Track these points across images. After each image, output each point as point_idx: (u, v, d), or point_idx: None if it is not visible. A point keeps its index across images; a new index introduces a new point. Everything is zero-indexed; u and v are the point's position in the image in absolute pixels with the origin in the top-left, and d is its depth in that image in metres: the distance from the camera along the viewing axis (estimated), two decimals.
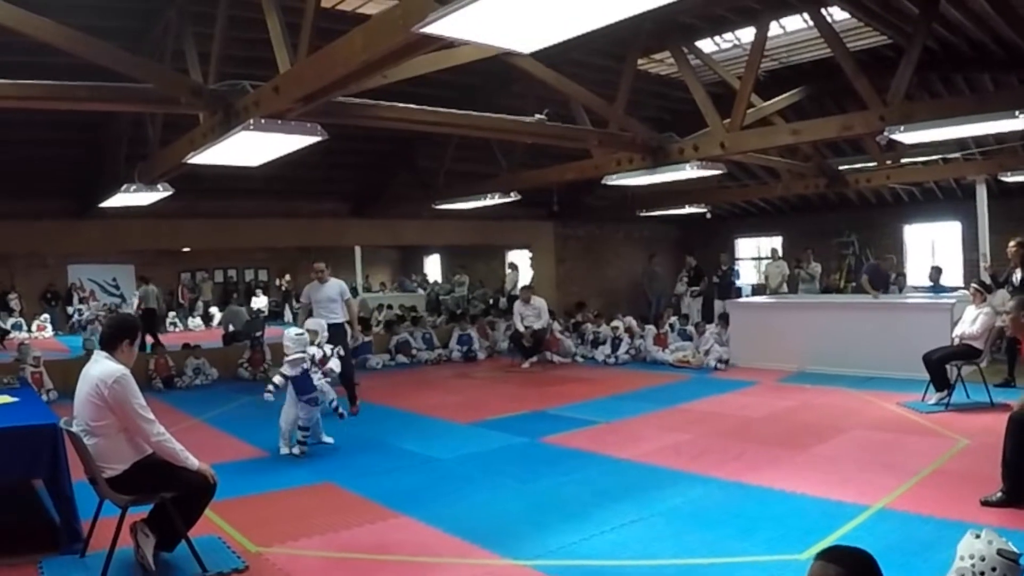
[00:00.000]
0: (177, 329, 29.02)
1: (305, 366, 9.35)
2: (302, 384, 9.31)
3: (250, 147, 8.33)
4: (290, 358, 9.30)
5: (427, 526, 6.97)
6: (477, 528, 6.84)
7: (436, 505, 7.56)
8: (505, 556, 6.16)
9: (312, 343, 9.69)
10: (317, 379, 9.52)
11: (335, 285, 12.31)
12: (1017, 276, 12.84)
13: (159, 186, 11.25)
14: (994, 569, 2.95)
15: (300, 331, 9.77)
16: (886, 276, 17.67)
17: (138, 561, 5.77)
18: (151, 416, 5.66)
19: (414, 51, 6.02)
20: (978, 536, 3.03)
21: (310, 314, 11.74)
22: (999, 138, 14.66)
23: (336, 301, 12.13)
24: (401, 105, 9.23)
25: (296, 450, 9.44)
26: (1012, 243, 13.49)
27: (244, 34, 9.41)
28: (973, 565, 2.96)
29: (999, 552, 2.93)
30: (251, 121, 7.46)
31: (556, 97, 11.25)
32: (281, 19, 7.43)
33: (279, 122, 7.58)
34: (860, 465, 8.49)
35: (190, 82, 8.38)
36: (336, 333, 11.50)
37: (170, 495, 5.66)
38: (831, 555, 2.88)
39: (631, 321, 18.81)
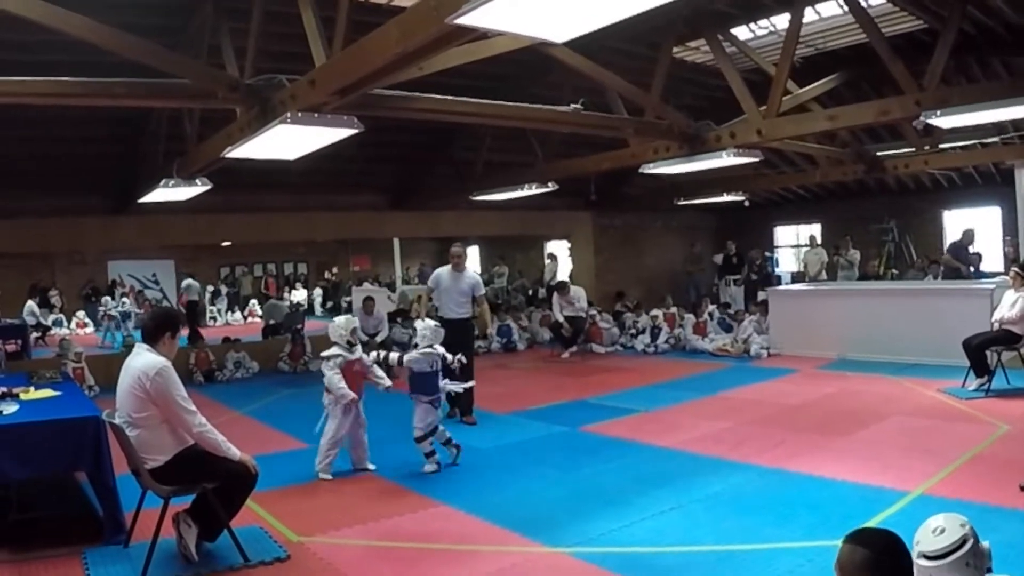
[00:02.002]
0: (217, 323, 29.16)
1: (435, 366, 8.67)
2: (426, 383, 8.62)
3: (287, 140, 8.39)
4: (420, 349, 8.64)
5: (468, 515, 7.04)
6: (517, 516, 6.89)
7: (477, 494, 7.62)
8: (545, 543, 6.20)
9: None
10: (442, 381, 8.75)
11: (471, 278, 11.29)
12: None
13: (197, 181, 11.31)
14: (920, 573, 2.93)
15: (436, 324, 9.01)
16: (969, 254, 17.42)
17: (181, 551, 5.84)
18: (193, 407, 5.73)
19: (449, 42, 6.05)
20: (916, 534, 3.01)
21: (431, 302, 11.40)
22: None
23: (467, 295, 11.10)
24: (437, 96, 9.23)
25: (428, 467, 8.49)
26: None
27: (280, 28, 9.43)
28: (917, 572, 2.94)
29: (920, 555, 2.91)
30: (288, 115, 7.49)
31: (592, 86, 11.21)
32: (316, 13, 7.47)
33: (316, 115, 7.62)
34: (900, 451, 8.48)
35: (227, 77, 8.43)
36: (461, 329, 10.86)
37: (212, 486, 5.73)
38: (859, 537, 2.89)
39: (673, 309, 18.83)
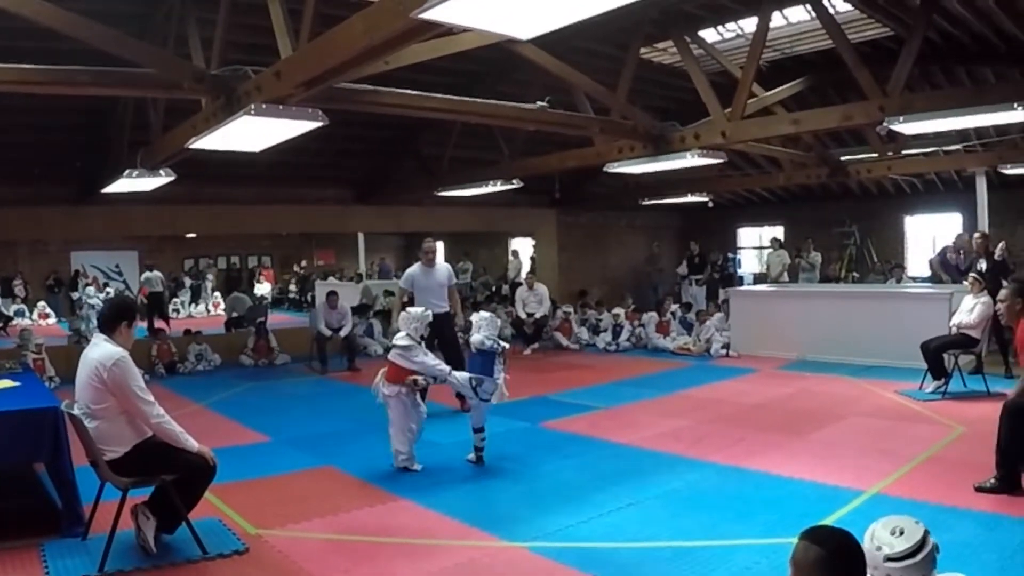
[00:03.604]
0: (180, 315, 28.98)
1: (495, 348, 8.50)
2: (484, 366, 8.45)
3: (252, 132, 8.36)
4: (483, 335, 8.52)
5: (427, 509, 7.05)
6: (476, 511, 6.93)
7: (436, 489, 7.65)
8: (503, 538, 6.23)
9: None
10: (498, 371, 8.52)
11: (444, 269, 11.45)
12: (982, 265, 12.98)
13: (161, 171, 11.25)
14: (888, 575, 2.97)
15: (492, 315, 8.98)
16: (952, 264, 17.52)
17: (139, 543, 5.83)
18: (150, 398, 5.71)
19: (414, 37, 6.06)
20: (872, 540, 3.05)
21: (406, 304, 10.73)
22: (1000, 130, 14.69)
23: (444, 287, 11.23)
24: (403, 91, 9.25)
25: (473, 456, 8.57)
26: (976, 234, 13.96)
27: (247, 19, 9.41)
28: (872, 574, 3.00)
29: (886, 559, 2.96)
30: (252, 106, 7.47)
31: (558, 85, 11.26)
32: (283, 4, 7.47)
33: (280, 107, 7.59)
34: (857, 451, 8.59)
35: (192, 67, 8.40)
36: (445, 323, 10.99)
37: (170, 477, 5.72)
38: (814, 535, 2.92)
39: (631, 307, 19.00)
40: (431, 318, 8.83)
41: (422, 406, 8.53)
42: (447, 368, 8.41)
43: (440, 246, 36.25)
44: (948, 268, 15.93)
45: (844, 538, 2.90)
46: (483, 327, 8.55)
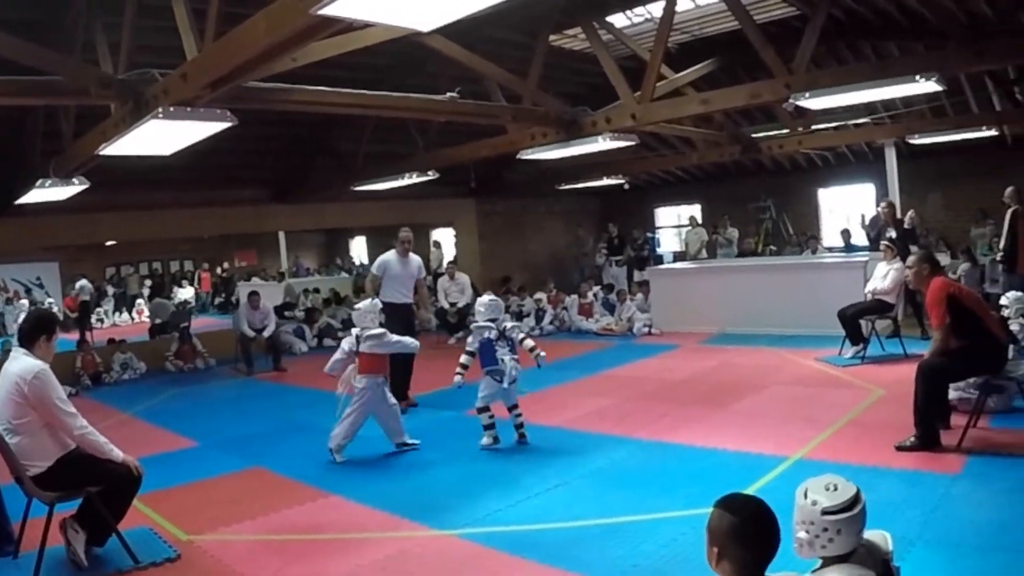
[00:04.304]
0: (104, 324, 28.55)
1: (490, 336, 8.70)
2: (486, 355, 8.68)
3: (161, 136, 8.26)
4: (476, 324, 8.88)
5: (357, 503, 7.11)
6: (406, 502, 6.99)
7: (366, 482, 7.70)
8: (433, 527, 6.31)
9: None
10: (502, 353, 8.66)
11: (416, 261, 11.49)
12: (891, 233, 13.28)
13: (75, 180, 11.10)
14: (825, 530, 3.05)
15: (494, 297, 9.16)
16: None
17: (70, 558, 5.80)
18: (72, 410, 5.68)
19: (317, 33, 6.05)
20: (806, 496, 3.14)
21: (378, 291, 11.05)
22: (906, 102, 15.05)
23: (414, 279, 11.38)
24: (312, 88, 9.21)
25: (484, 440, 8.68)
26: (883, 203, 14.35)
27: (154, 21, 9.28)
28: (807, 531, 3.08)
29: (823, 512, 3.05)
30: (160, 110, 7.40)
31: (470, 75, 11.30)
32: (187, 5, 7.39)
33: (188, 109, 7.50)
34: (779, 419, 8.82)
35: (99, 72, 8.30)
36: (408, 313, 11.22)
37: (96, 489, 5.69)
38: (727, 504, 3.00)
39: (553, 291, 19.17)
40: (380, 306, 9.05)
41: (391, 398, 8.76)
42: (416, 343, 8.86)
43: (361, 241, 36.17)
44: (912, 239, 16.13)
45: (757, 505, 2.98)
46: (481, 312, 8.83)
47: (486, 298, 9.13)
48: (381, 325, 8.74)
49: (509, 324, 8.94)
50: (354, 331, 8.75)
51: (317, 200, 19.37)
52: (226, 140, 9.16)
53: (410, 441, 8.76)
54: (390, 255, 11.26)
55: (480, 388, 8.69)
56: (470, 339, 8.89)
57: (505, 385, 8.52)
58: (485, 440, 8.67)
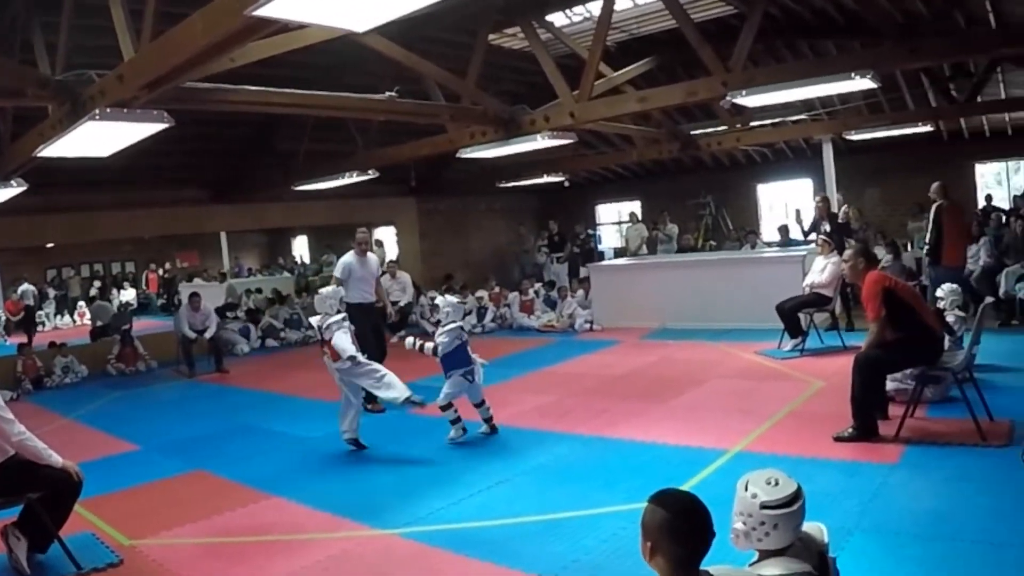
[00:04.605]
0: (45, 328, 28.16)
1: (464, 338, 8.86)
2: (456, 358, 8.75)
3: (98, 137, 8.18)
4: (446, 328, 8.81)
5: (299, 504, 7.10)
6: (348, 502, 7.00)
7: (308, 483, 7.69)
8: (375, 526, 6.34)
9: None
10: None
11: (375, 260, 11.48)
12: (826, 227, 13.46)
13: (12, 182, 10.98)
14: (763, 523, 3.09)
15: (459, 298, 9.17)
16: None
17: (12, 566, 5.75)
18: (10, 416, 5.62)
19: (253, 34, 6.02)
20: (747, 488, 3.18)
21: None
22: (843, 99, 15.26)
23: (374, 277, 11.28)
24: (251, 88, 9.16)
25: (453, 434, 8.77)
26: (817, 198, 14.48)
27: (92, 21, 9.21)
28: (745, 523, 3.13)
29: (763, 506, 3.09)
30: (97, 111, 7.34)
31: (409, 74, 11.30)
32: (124, 5, 7.32)
33: (125, 111, 7.44)
34: (719, 412, 8.95)
35: (35, 73, 8.21)
36: (375, 312, 11.12)
37: (36, 495, 5.65)
38: (659, 499, 3.01)
39: (496, 289, 19.26)
40: (343, 293, 9.22)
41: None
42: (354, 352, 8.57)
43: (303, 241, 35.99)
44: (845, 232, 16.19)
45: (689, 500, 3.00)
46: (449, 314, 8.89)
47: (452, 299, 9.24)
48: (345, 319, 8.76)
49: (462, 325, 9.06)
50: (315, 320, 8.78)
51: (258, 200, 19.30)
52: (166, 141, 9.10)
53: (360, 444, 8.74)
54: (350, 257, 11.12)
55: (446, 387, 8.72)
56: (442, 340, 8.77)
57: (478, 382, 8.75)
58: (454, 434, 8.75)
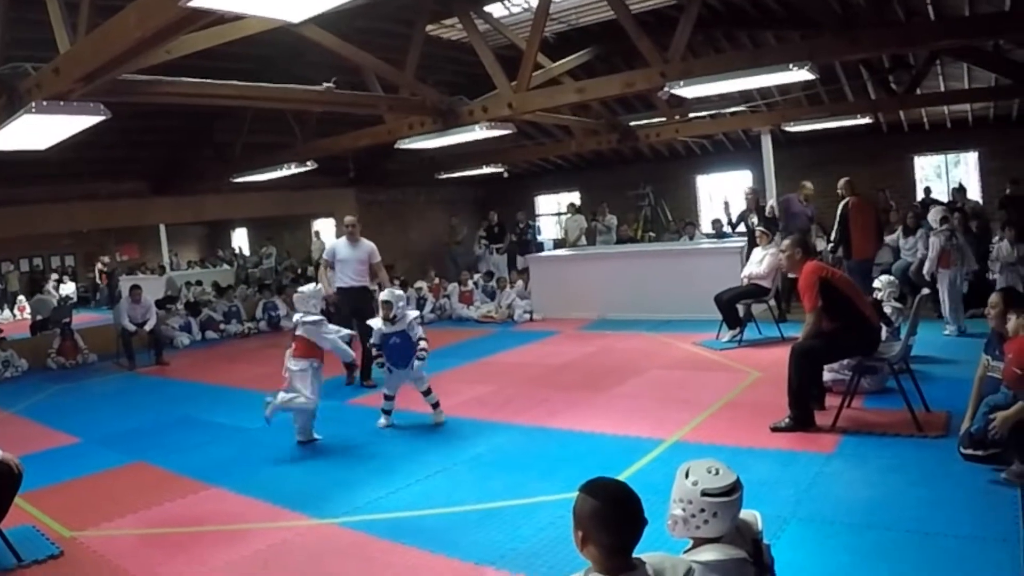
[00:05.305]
0: None
1: (413, 332, 8.89)
2: (401, 348, 8.80)
3: (35, 130, 8.08)
4: (412, 318, 8.96)
5: (238, 495, 7.10)
6: (287, 492, 7.01)
7: (247, 474, 7.68)
8: (313, 516, 6.36)
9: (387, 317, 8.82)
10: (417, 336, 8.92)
11: (367, 247, 11.60)
12: (754, 220, 13.66)
13: None
14: (703, 510, 3.13)
15: (317, 286, 9.18)
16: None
17: None
18: None
19: (188, 25, 5.94)
20: (687, 476, 3.23)
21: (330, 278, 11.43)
22: (783, 90, 15.30)
23: (365, 264, 11.50)
24: (188, 80, 9.09)
25: (383, 420, 8.98)
26: (747, 189, 14.70)
27: (30, 14, 9.13)
28: (684, 510, 3.17)
29: (703, 493, 3.14)
30: (33, 104, 7.29)
31: (347, 65, 11.28)
32: None
33: (61, 104, 7.40)
34: (657, 402, 9.02)
35: None
36: (361, 297, 11.33)
37: None
38: (589, 487, 3.03)
39: (436, 280, 19.32)
40: (323, 292, 9.40)
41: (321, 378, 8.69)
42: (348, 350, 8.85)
43: (243, 233, 35.73)
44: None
45: (618, 489, 3.02)
46: (404, 306, 8.99)
47: (398, 291, 9.31)
48: (328, 310, 8.78)
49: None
50: (296, 315, 8.74)
51: (197, 192, 19.08)
52: (104, 133, 9.01)
53: (313, 437, 8.67)
54: (339, 241, 11.64)
55: (390, 377, 8.89)
56: (416, 330, 8.93)
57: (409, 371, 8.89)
58: (383, 421, 8.91)
